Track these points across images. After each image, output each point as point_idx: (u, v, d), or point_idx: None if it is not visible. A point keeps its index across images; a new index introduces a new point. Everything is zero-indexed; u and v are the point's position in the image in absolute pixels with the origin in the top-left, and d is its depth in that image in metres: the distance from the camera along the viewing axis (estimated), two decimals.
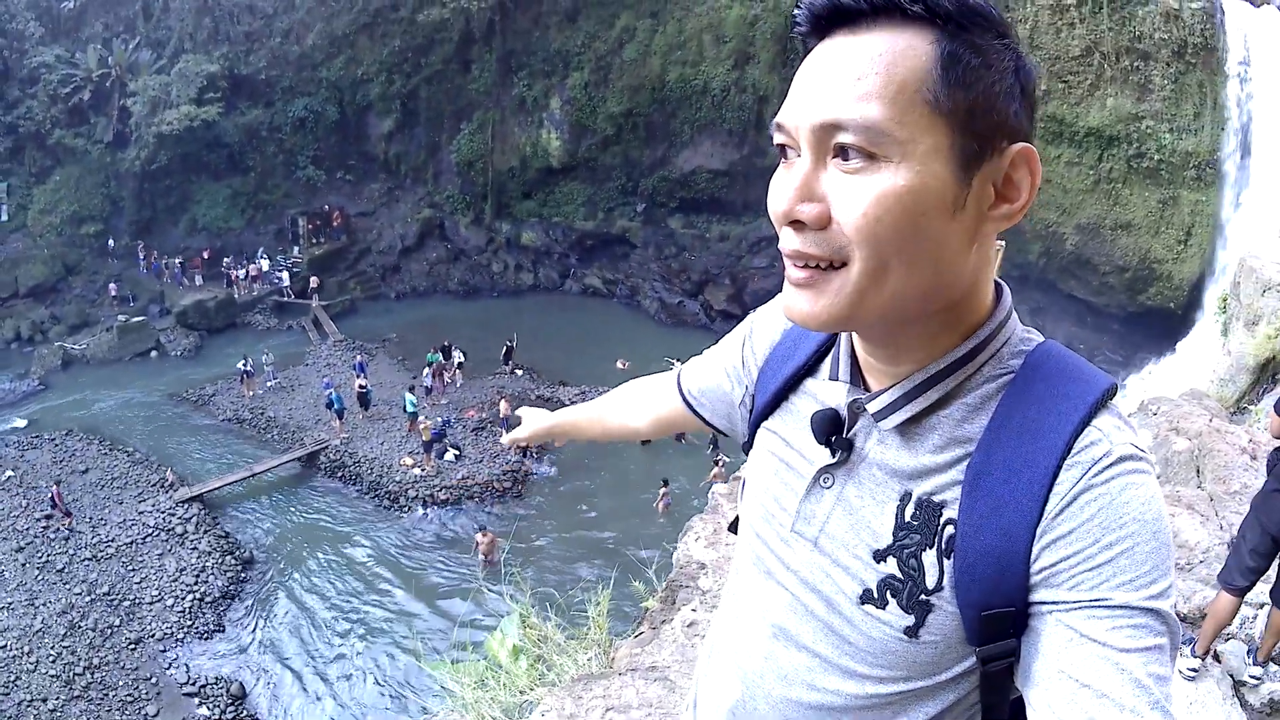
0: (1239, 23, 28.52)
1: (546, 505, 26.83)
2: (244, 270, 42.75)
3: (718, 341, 1.95)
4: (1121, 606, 1.15)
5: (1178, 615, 1.21)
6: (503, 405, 29.86)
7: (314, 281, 42.12)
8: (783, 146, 1.29)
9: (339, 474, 28.68)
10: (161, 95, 42.13)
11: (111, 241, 44.28)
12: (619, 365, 32.69)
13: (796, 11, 1.28)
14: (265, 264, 43.15)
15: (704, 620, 5.29)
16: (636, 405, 2.23)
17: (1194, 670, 5.75)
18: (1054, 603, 1.20)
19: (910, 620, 1.32)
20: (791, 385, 1.61)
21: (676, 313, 41.42)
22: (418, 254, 45.41)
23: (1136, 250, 30.95)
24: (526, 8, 42.02)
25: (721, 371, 1.86)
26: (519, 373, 34.16)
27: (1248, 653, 5.93)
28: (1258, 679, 5.93)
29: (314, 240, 44.26)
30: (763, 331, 1.75)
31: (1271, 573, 5.73)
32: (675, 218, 42.08)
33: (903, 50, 1.18)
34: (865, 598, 1.36)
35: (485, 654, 5.65)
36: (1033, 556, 1.22)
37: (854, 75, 1.18)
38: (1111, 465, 1.21)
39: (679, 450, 27.64)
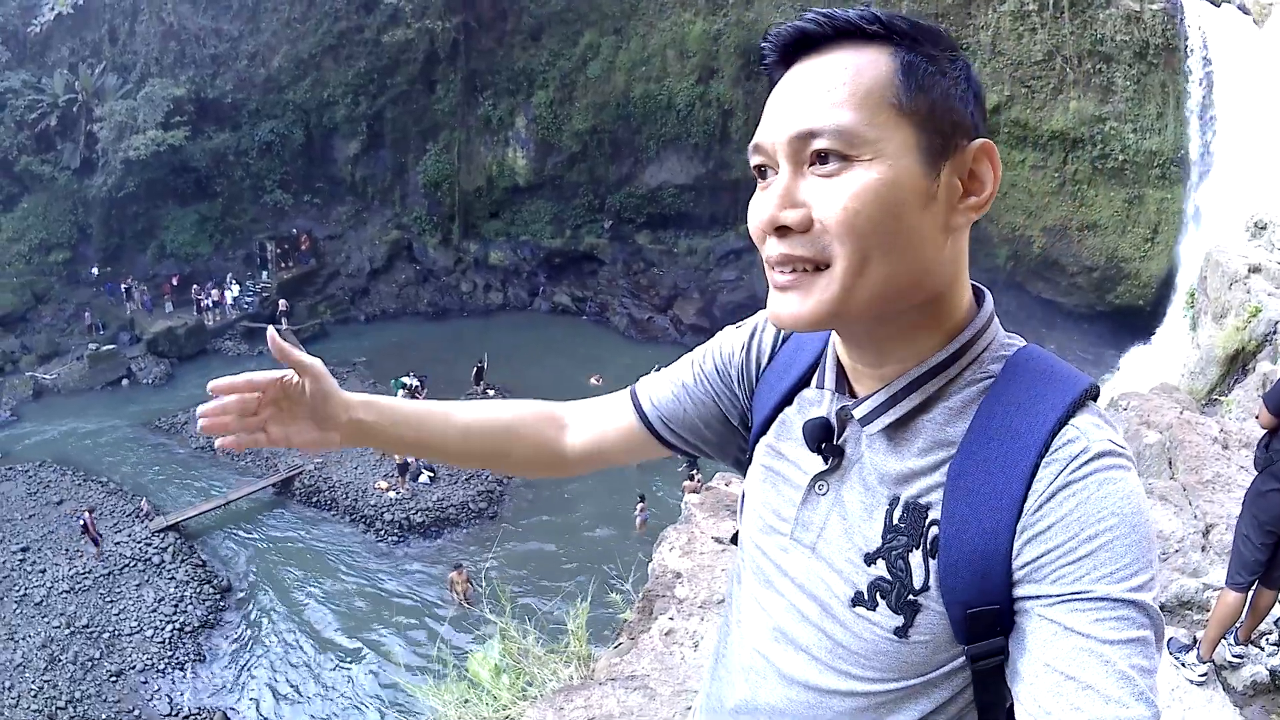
0: (1199, 22, 28.97)
1: (522, 523, 26.80)
2: (213, 296, 42.49)
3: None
4: (1103, 599, 1.17)
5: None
6: None
7: (282, 305, 41.79)
8: (760, 168, 1.39)
9: (314, 499, 28.56)
10: (128, 120, 41.70)
11: (95, 270, 43.77)
12: (592, 381, 32.54)
13: (764, 45, 1.40)
14: (235, 289, 42.84)
15: (681, 629, 5.33)
16: (547, 430, 1.99)
17: (1204, 677, 5.81)
18: (1036, 597, 1.23)
19: (900, 621, 1.35)
20: (785, 401, 1.65)
21: (646, 328, 41.29)
22: (386, 276, 45.17)
23: (1104, 250, 31.34)
24: (490, 27, 42.04)
25: (707, 385, 1.84)
26: (490, 393, 33.99)
27: (1228, 633, 5.97)
28: (1239, 659, 5.97)
29: (282, 265, 43.90)
30: (756, 346, 1.78)
31: None
32: (643, 233, 42.10)
33: (866, 63, 1.29)
34: (856, 600, 1.40)
35: (468, 673, 5.66)
36: (1014, 553, 1.25)
37: (824, 88, 1.29)
38: (1089, 461, 1.24)
39: (647, 467, 27.59)
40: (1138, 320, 30.41)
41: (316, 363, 1.83)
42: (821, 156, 1.28)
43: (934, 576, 1.32)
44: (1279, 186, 23.90)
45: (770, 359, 1.74)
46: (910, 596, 1.34)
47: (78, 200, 44.04)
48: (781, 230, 1.32)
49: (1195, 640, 5.95)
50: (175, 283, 42.92)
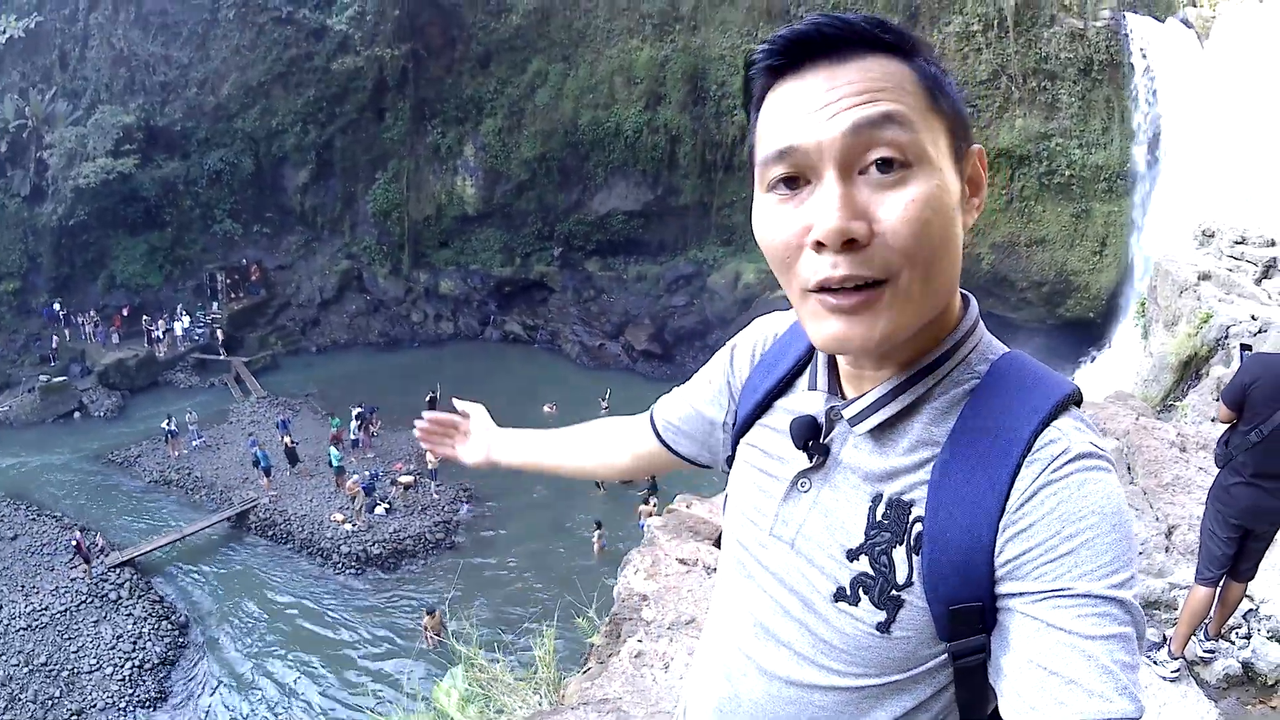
0: (1144, 38, 29.39)
1: (480, 553, 26.63)
2: (162, 327, 42.23)
3: (643, 380, 2.03)
4: (1084, 595, 1.18)
5: None
6: (429, 456, 29.29)
7: (220, 335, 41.77)
8: (788, 179, 1.31)
9: (270, 532, 28.30)
10: (78, 147, 41.57)
11: (59, 305, 43.42)
12: (546, 409, 32.38)
13: (770, 44, 1.33)
14: (186, 320, 42.56)
15: (651, 650, 5.32)
16: (615, 442, 2.22)
17: (1176, 673, 5.86)
18: (1019, 594, 1.24)
19: (882, 616, 1.36)
20: (770, 400, 1.67)
21: (598, 355, 41.22)
22: (337, 306, 45.04)
23: (1053, 264, 31.65)
24: (439, 55, 42.10)
25: (702, 400, 1.91)
26: None
27: (1198, 629, 6.06)
28: (1211, 653, 6.07)
29: (233, 295, 43.75)
30: (743, 354, 1.82)
31: None
32: (592, 260, 42.21)
33: (894, 70, 1.29)
34: (839, 595, 1.41)
35: (433, 704, 5.64)
36: (997, 550, 1.26)
37: (874, 89, 1.26)
38: (1071, 461, 1.25)
39: (601, 496, 27.71)
40: (1089, 332, 30.73)
41: (478, 408, 2.51)
42: (883, 163, 1.24)
43: (917, 572, 1.33)
44: (1226, 194, 24.35)
45: (758, 363, 1.77)
46: (893, 592, 1.35)
47: (28, 228, 43.84)
48: (850, 244, 1.24)
49: (1165, 638, 6.03)
50: (125, 313, 42.64)
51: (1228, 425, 5.91)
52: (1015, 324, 32.74)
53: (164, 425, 33.52)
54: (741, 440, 1.72)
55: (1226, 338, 16.15)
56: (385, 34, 41.30)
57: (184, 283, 44.81)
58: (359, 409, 33.28)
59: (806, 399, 1.57)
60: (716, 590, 1.77)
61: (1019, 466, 1.27)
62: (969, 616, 1.29)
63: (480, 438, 2.44)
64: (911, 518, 1.35)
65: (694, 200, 39.50)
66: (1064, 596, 1.19)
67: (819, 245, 1.26)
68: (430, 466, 29.52)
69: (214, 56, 44.15)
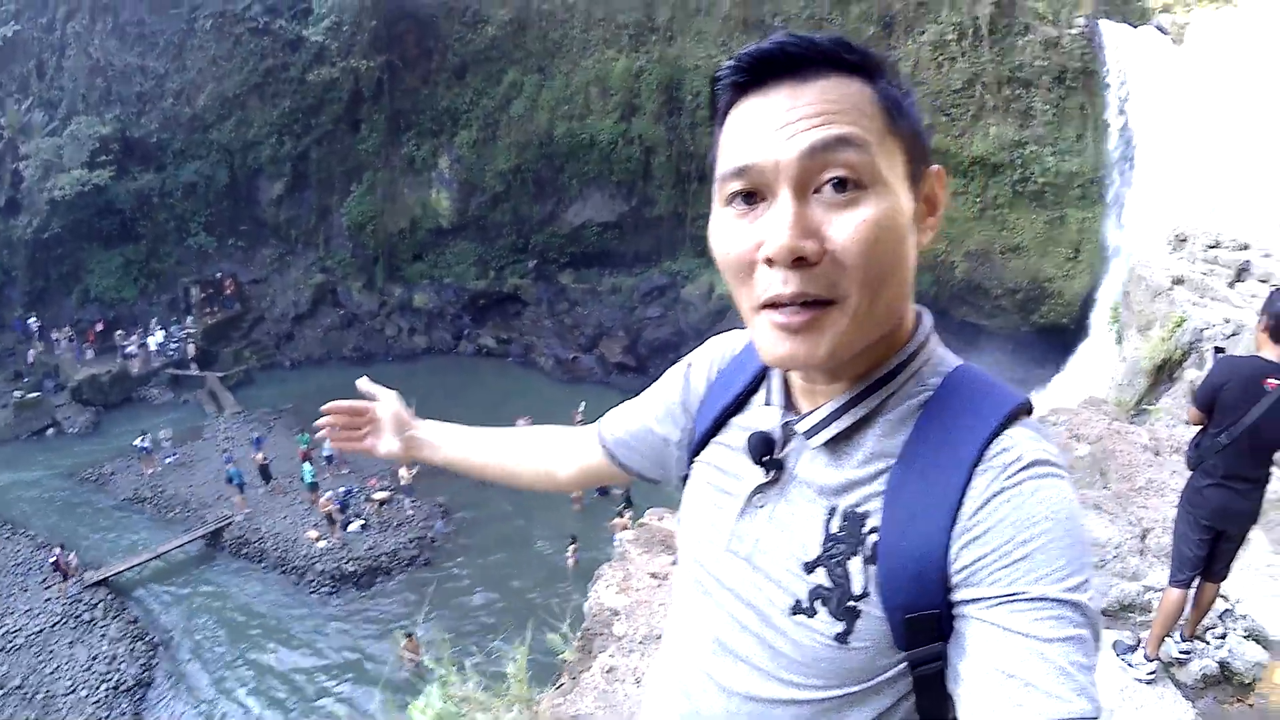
0: (1118, 44, 29.80)
1: (455, 569, 26.50)
2: (136, 343, 42.05)
3: (617, 393, 2.01)
4: (1040, 599, 1.19)
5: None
6: (403, 472, 29.54)
7: (191, 350, 41.65)
8: (745, 194, 1.34)
9: (244, 551, 28.10)
10: (54, 159, 41.44)
11: (33, 319, 43.20)
12: (519, 423, 32.00)
13: (735, 61, 1.35)
14: (160, 335, 42.34)
15: (623, 665, 5.34)
16: (560, 453, 2.20)
17: (1152, 674, 5.92)
18: (974, 600, 1.25)
19: (840, 627, 1.36)
20: (726, 418, 1.69)
21: (572, 368, 41.14)
22: (311, 321, 44.83)
23: (1027, 271, 31.76)
24: (414, 66, 42.02)
25: (653, 417, 1.92)
26: None
27: (1173, 630, 6.12)
28: (1187, 654, 6.11)
29: (207, 310, 43.53)
30: (699, 373, 1.84)
31: None
32: (566, 273, 42.11)
33: (856, 91, 1.31)
34: (796, 608, 1.41)
35: None
36: (952, 558, 1.27)
37: (832, 110, 1.28)
38: (1023, 469, 1.27)
39: (577, 512, 27.65)
40: (1063, 338, 30.87)
41: (388, 393, 2.43)
42: (837, 184, 1.27)
43: (873, 582, 1.34)
44: (1200, 199, 24.58)
45: (714, 381, 1.79)
46: (850, 603, 1.35)
47: (2, 241, 43.62)
48: (799, 262, 1.27)
49: (1140, 641, 6.11)
50: (100, 328, 42.41)
51: (1199, 428, 5.96)
52: (990, 331, 32.88)
53: (137, 442, 33.31)
54: (697, 458, 1.74)
55: (1200, 341, 16.34)
56: (361, 45, 41.25)
57: (158, 297, 44.54)
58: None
59: (762, 415, 1.59)
60: (673, 608, 1.77)
61: (971, 475, 1.29)
62: (925, 624, 1.30)
63: (394, 427, 2.38)
64: (866, 529, 1.37)
65: (668, 211, 39.40)
66: (1019, 600, 1.20)
67: (770, 261, 1.29)
68: (404, 482, 29.45)
69: (190, 67, 43.96)
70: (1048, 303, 31.86)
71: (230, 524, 28.92)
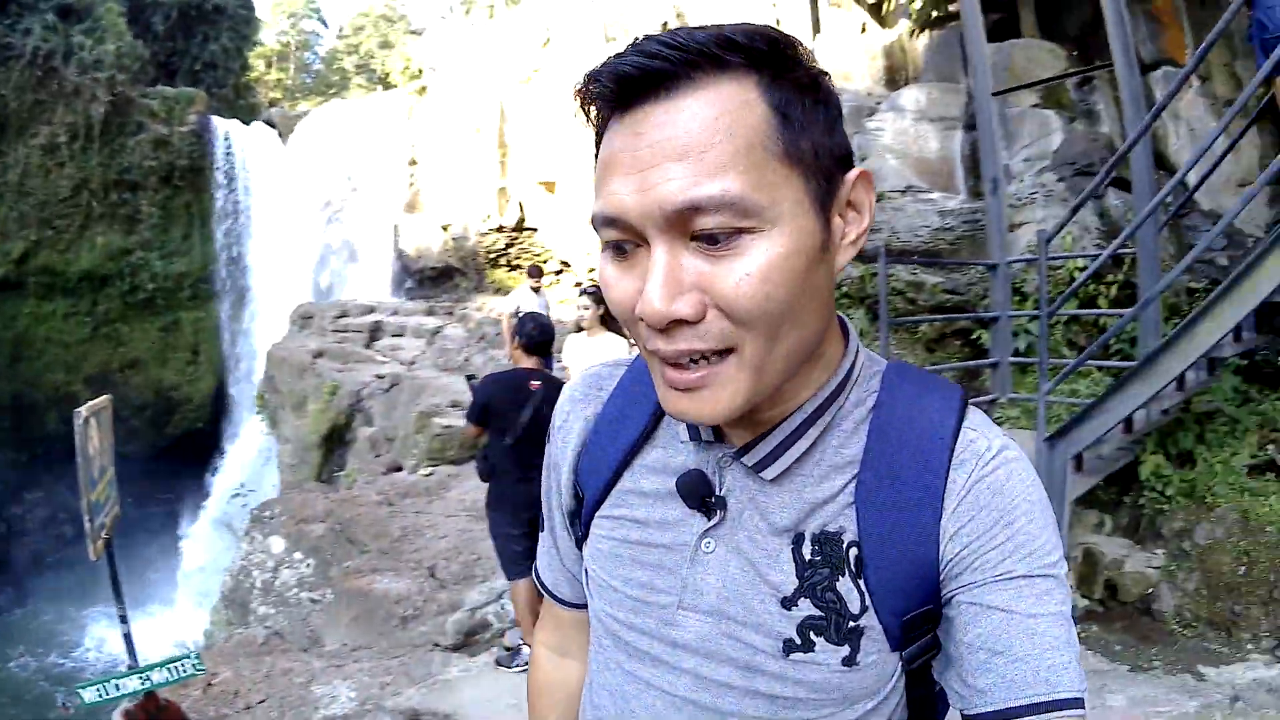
0: (230, 140, 31.00)
1: None
2: None
3: None
4: (1024, 576, 1.19)
5: None
6: None
7: None
8: (617, 244, 1.16)
9: None
10: None
11: None
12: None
13: (594, 81, 1.14)
14: None
15: None
16: (564, 678, 1.79)
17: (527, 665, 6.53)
18: (961, 586, 1.23)
19: (845, 651, 1.26)
20: (623, 466, 1.46)
21: None
22: None
23: (149, 385, 31.13)
24: None
25: (563, 529, 1.64)
26: None
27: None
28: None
29: None
30: (571, 435, 1.58)
31: None
32: None
33: (736, 109, 1.07)
34: (789, 647, 1.28)
35: None
36: (941, 554, 1.24)
37: (698, 149, 1.06)
38: (995, 457, 1.25)
39: None
40: (207, 440, 30.59)
41: None
42: (710, 237, 1.07)
43: (868, 596, 1.26)
44: (320, 277, 26.17)
45: (594, 429, 1.55)
46: (851, 623, 1.26)
47: None
48: (679, 322, 1.10)
49: (519, 645, 7.15)
50: None
51: (481, 445, 7.00)
52: (130, 456, 31.60)
53: None
54: (596, 517, 1.48)
55: (360, 401, 17.26)
56: None
57: None
58: None
59: (675, 451, 1.41)
60: (587, 700, 1.55)
61: (948, 469, 1.25)
62: (918, 621, 1.27)
63: None
64: (846, 545, 1.27)
65: None
66: (1005, 579, 1.20)
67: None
68: None
69: None
70: (179, 411, 31.43)
71: None
